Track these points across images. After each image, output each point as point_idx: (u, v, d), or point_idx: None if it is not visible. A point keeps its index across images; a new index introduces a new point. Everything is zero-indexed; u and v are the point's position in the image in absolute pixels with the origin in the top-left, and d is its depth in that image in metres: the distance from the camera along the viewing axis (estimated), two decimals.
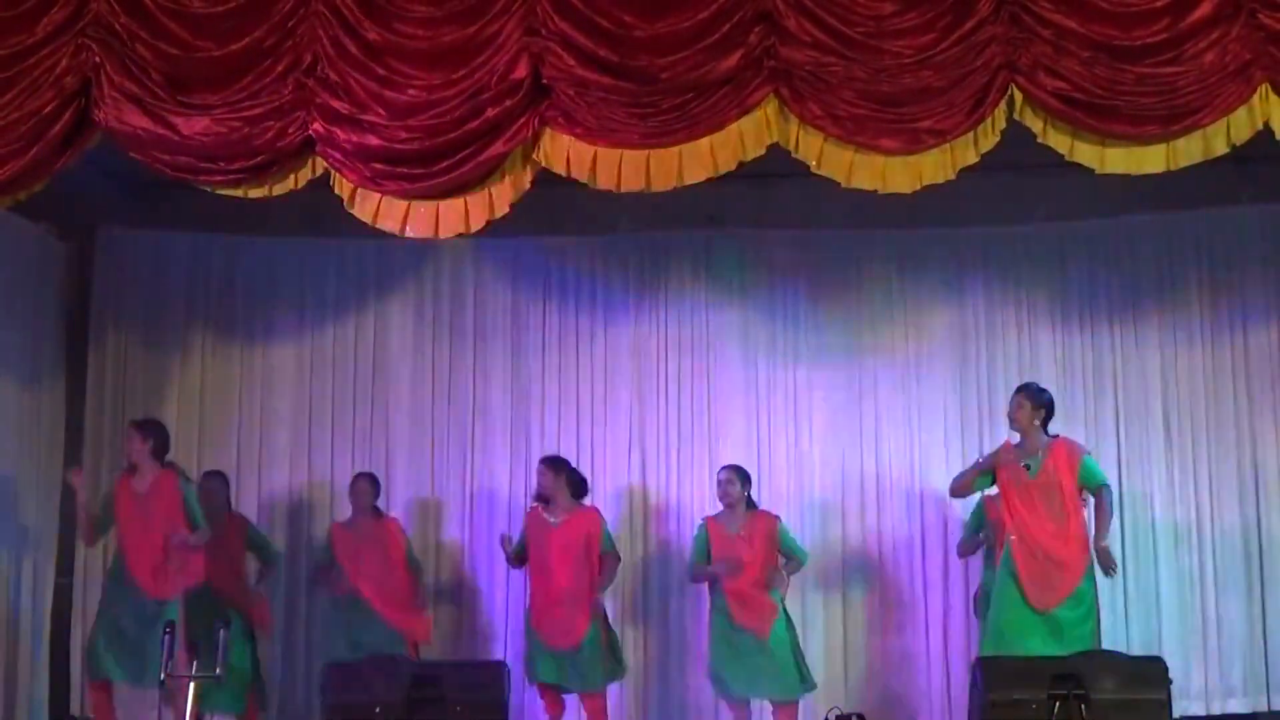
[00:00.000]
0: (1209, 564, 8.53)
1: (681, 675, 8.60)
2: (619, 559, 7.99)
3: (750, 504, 7.92)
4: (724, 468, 8.05)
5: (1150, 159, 6.27)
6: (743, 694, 7.78)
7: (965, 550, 8.19)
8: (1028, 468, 7.10)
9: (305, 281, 9.16)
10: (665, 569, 8.72)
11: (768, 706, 7.94)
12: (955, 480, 7.52)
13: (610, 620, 8.03)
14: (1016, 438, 7.32)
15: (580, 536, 7.77)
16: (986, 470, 7.29)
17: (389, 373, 9.09)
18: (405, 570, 8.09)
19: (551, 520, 7.83)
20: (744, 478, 7.94)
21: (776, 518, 7.95)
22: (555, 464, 8.00)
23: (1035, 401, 7.24)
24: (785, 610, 7.75)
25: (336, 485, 8.84)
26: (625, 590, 8.73)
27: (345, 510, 8.38)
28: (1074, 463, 7.10)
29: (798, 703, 7.77)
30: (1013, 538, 7.04)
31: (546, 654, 7.67)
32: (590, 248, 9.14)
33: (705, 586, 7.95)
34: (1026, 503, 7.05)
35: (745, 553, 7.69)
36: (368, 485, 8.21)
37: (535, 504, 7.99)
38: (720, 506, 7.95)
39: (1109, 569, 7.14)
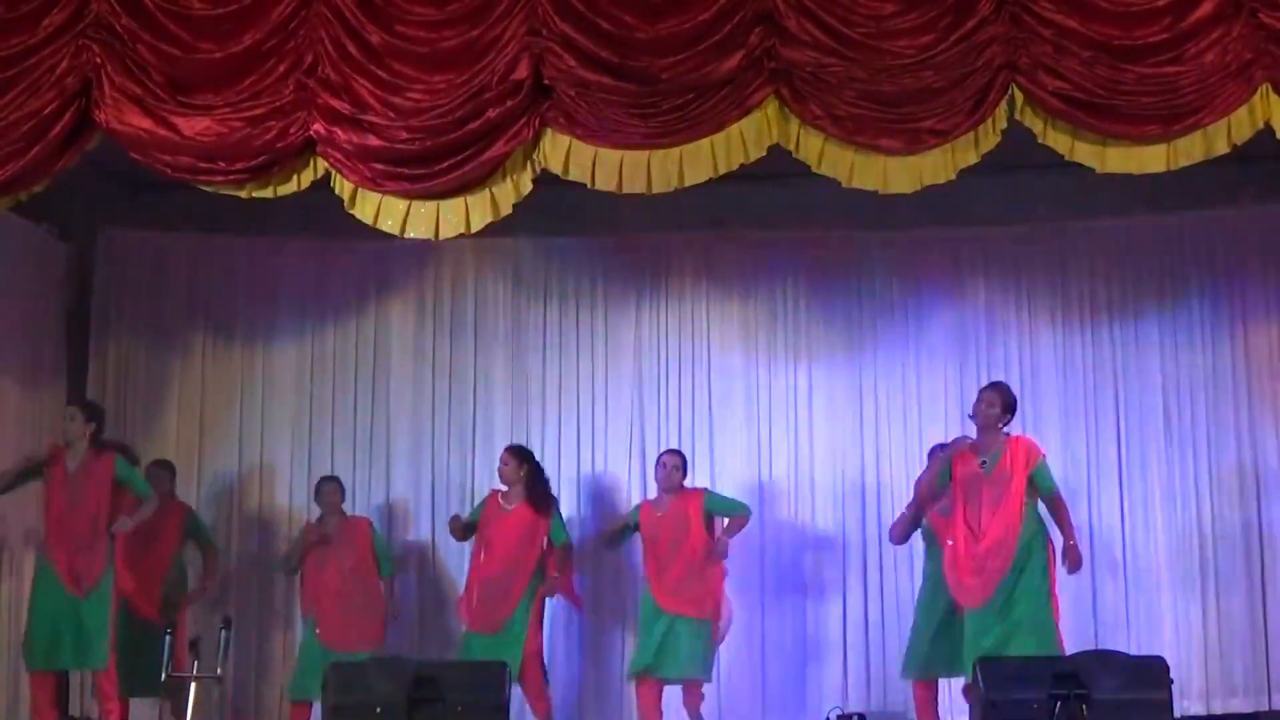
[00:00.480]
0: (1209, 562, 8.50)
1: None
2: (571, 548, 7.98)
3: (679, 487, 7.99)
4: (670, 452, 8.14)
5: (1151, 159, 6.27)
6: (664, 675, 7.75)
7: (900, 534, 7.82)
8: (984, 464, 7.05)
9: (306, 281, 9.16)
10: None
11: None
12: (917, 487, 7.43)
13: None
14: (972, 435, 7.25)
15: (526, 523, 7.80)
16: (946, 468, 7.19)
17: (390, 373, 9.09)
18: (373, 569, 8.10)
19: (506, 507, 7.89)
20: (685, 464, 8.04)
21: (702, 490, 8.02)
22: (519, 453, 8.06)
23: (1005, 401, 7.19)
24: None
25: None
26: (620, 586, 8.72)
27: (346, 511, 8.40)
28: (1031, 462, 7.04)
29: (701, 684, 7.80)
30: (950, 542, 7.04)
31: (472, 638, 7.68)
32: (591, 248, 9.15)
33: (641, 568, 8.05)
34: (974, 500, 7.00)
35: (666, 534, 7.77)
36: (335, 488, 8.24)
37: (495, 489, 8.08)
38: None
39: (1074, 568, 7.06)
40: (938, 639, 7.33)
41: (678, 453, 8.15)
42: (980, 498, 6.99)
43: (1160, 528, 8.59)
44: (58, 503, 7.40)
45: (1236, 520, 8.51)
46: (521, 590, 7.74)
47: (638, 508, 8.11)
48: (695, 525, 7.82)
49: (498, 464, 8.10)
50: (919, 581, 8.44)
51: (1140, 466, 8.66)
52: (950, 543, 7.07)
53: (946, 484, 7.21)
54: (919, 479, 7.48)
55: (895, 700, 8.49)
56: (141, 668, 7.43)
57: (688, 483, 8.06)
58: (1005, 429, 7.17)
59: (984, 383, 8.71)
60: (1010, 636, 6.78)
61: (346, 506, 8.37)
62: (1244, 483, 8.53)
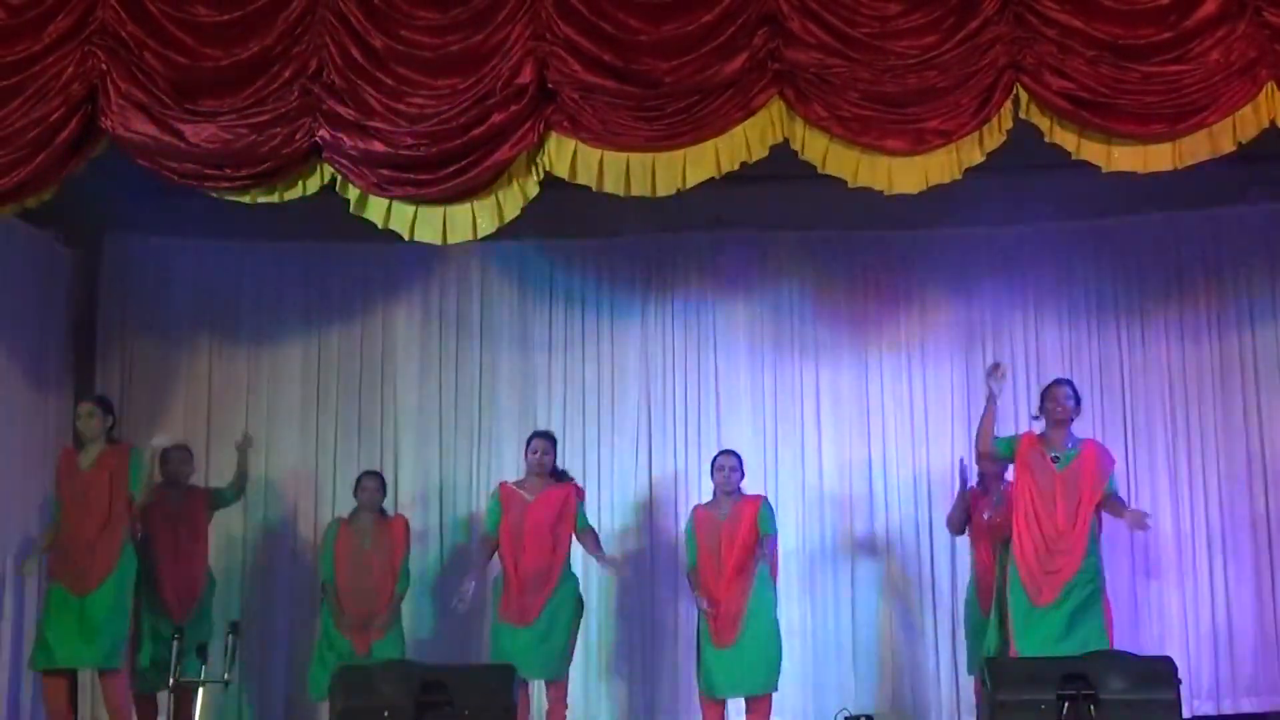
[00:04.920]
0: (1218, 561, 8.51)
1: (687, 669, 8.54)
2: (594, 532, 7.74)
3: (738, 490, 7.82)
4: (726, 453, 7.86)
5: (1157, 157, 6.27)
6: (721, 693, 7.58)
7: (957, 521, 7.97)
8: (1056, 460, 7.04)
9: (312, 286, 9.17)
10: (672, 567, 8.69)
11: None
12: (978, 437, 7.29)
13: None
14: (1039, 428, 7.23)
15: (555, 509, 7.60)
16: (1012, 441, 7.18)
17: (396, 377, 9.09)
18: (393, 575, 7.82)
19: (528, 496, 7.67)
20: (742, 464, 7.82)
21: (763, 498, 7.81)
22: (553, 438, 7.91)
23: (1078, 397, 7.22)
24: (767, 604, 7.57)
25: (343, 489, 8.84)
26: (630, 586, 8.76)
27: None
28: (1105, 470, 7.06)
29: (769, 697, 7.58)
30: (1015, 536, 7.01)
31: (508, 635, 7.47)
32: (597, 250, 9.15)
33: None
34: (1046, 497, 6.98)
35: (726, 540, 7.55)
36: (373, 484, 8.04)
37: (505, 481, 7.89)
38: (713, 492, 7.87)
39: (1142, 524, 7.08)
40: (1002, 632, 7.32)
41: (735, 454, 7.85)
42: (1053, 494, 6.98)
43: (1169, 525, 8.58)
44: (71, 501, 7.39)
45: (1245, 517, 8.52)
46: (559, 575, 7.53)
47: (692, 516, 7.81)
48: (747, 535, 7.56)
49: (534, 454, 7.74)
50: (925, 577, 8.50)
51: (1148, 464, 8.68)
52: (1016, 537, 7.00)
53: (1007, 455, 7.18)
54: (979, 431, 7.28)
55: (903, 701, 8.51)
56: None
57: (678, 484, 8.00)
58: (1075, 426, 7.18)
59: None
60: (1084, 645, 6.73)
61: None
62: (1252, 479, 8.54)
